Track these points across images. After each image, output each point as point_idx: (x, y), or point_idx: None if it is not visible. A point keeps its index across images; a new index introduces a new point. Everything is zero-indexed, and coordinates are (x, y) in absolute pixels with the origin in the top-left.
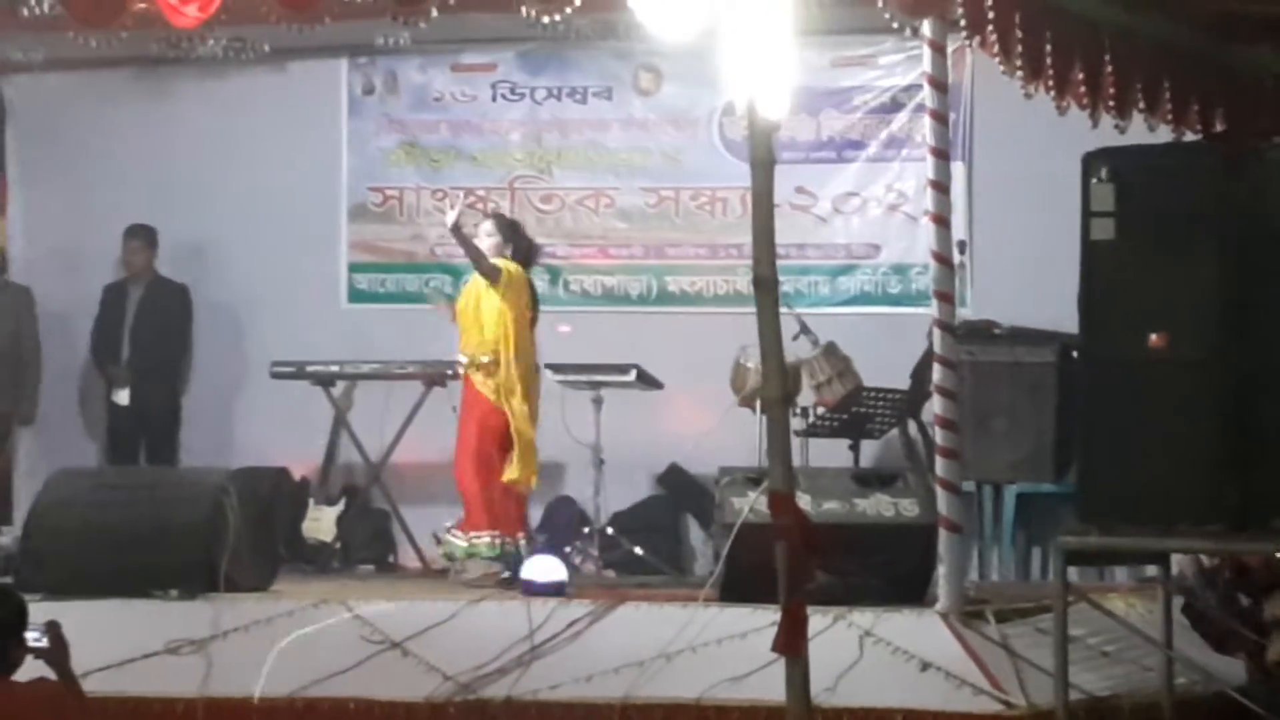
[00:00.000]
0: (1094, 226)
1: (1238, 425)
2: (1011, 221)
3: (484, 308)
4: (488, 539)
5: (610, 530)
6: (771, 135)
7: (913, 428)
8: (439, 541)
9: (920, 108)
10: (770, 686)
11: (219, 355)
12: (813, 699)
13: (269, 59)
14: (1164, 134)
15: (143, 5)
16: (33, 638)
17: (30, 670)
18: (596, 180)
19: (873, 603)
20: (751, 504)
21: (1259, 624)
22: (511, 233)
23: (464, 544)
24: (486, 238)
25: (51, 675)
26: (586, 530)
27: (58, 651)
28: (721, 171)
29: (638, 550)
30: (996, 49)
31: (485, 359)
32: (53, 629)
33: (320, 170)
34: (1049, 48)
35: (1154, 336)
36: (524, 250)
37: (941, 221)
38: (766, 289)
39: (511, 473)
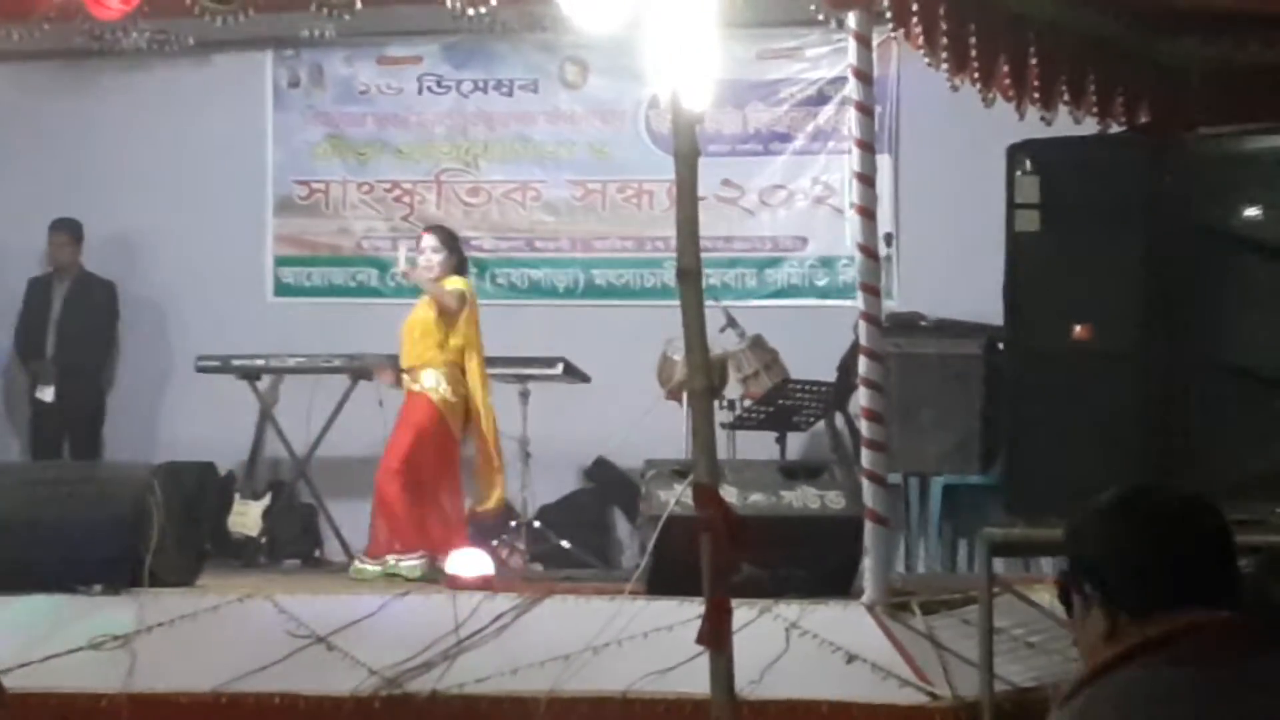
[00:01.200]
0: (1019, 218)
1: (1162, 416)
2: (938, 214)
3: (438, 324)
4: (415, 561)
5: (537, 524)
6: (695, 127)
7: (839, 420)
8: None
9: (847, 100)
10: (696, 679)
11: (144, 349)
12: (738, 691)
13: (193, 52)
14: (1090, 126)
15: None
16: None
17: None
18: (523, 173)
19: (799, 595)
20: (677, 497)
21: None
22: (455, 244)
23: (377, 568)
24: (434, 254)
25: None
26: (513, 524)
27: None
28: (648, 164)
29: (564, 544)
30: (921, 41)
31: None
32: None
33: (245, 163)
34: (974, 40)
35: (1079, 328)
36: (463, 260)
37: (867, 214)
38: (690, 281)
39: (490, 501)
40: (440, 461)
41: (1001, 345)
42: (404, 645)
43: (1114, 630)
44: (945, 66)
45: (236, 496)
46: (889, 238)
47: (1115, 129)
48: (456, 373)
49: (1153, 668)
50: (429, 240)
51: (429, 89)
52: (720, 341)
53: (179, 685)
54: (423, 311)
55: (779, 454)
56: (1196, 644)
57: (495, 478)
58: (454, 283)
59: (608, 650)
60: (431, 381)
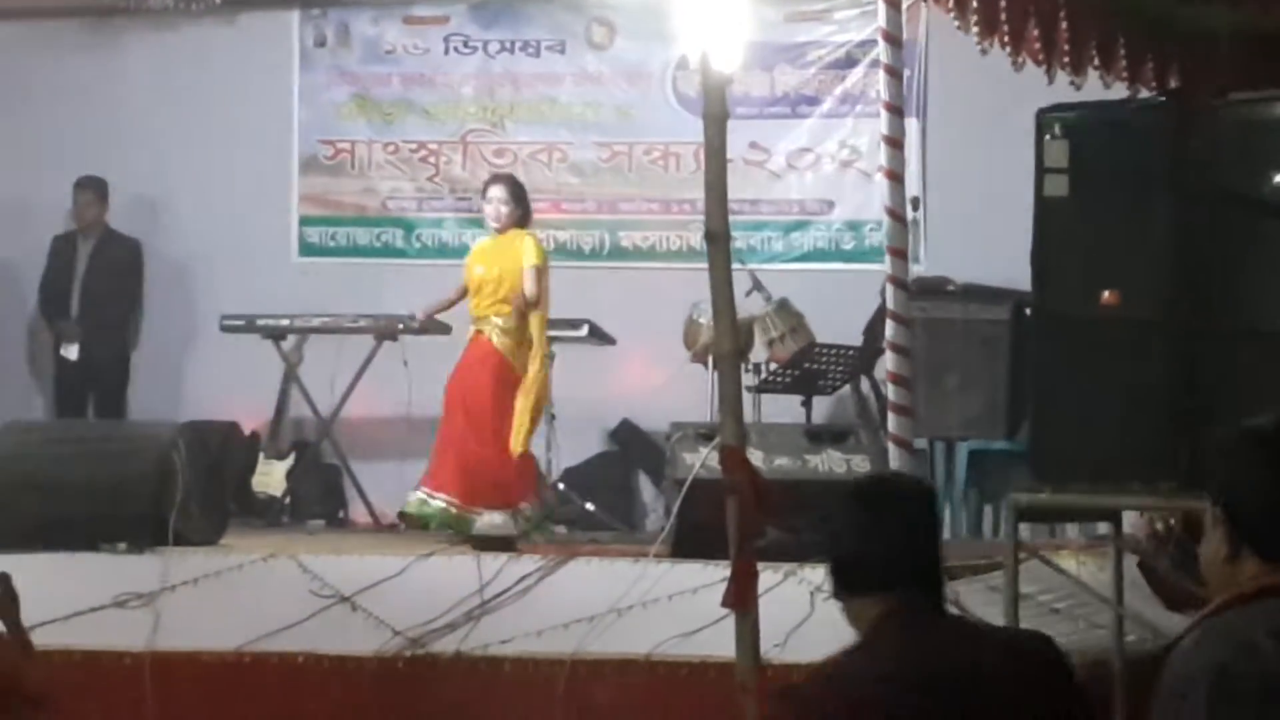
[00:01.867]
0: (1047, 183)
1: (1189, 383)
2: (965, 178)
3: (497, 266)
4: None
5: (562, 486)
6: (724, 89)
7: (865, 384)
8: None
9: (875, 63)
10: (720, 642)
11: (169, 309)
12: (763, 655)
13: (220, 11)
14: (1119, 91)
15: None
16: None
17: None
18: (549, 134)
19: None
20: (703, 460)
21: None
22: (523, 196)
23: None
24: (502, 205)
25: None
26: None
27: (7, 604)
28: (675, 126)
29: (589, 506)
30: (951, 4)
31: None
32: (2, 582)
33: (271, 123)
34: (1003, 3)
35: (1106, 294)
36: (526, 209)
37: (895, 178)
38: (718, 244)
39: (520, 443)
40: (499, 405)
41: (1028, 311)
42: (428, 606)
43: (1237, 556)
44: (974, 30)
45: (261, 456)
46: (916, 202)
47: (1145, 94)
48: (523, 323)
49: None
50: (497, 191)
51: (455, 49)
52: (746, 305)
53: (202, 644)
54: (492, 265)
55: (804, 418)
56: None
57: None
58: (529, 256)
59: (632, 613)
60: (492, 330)
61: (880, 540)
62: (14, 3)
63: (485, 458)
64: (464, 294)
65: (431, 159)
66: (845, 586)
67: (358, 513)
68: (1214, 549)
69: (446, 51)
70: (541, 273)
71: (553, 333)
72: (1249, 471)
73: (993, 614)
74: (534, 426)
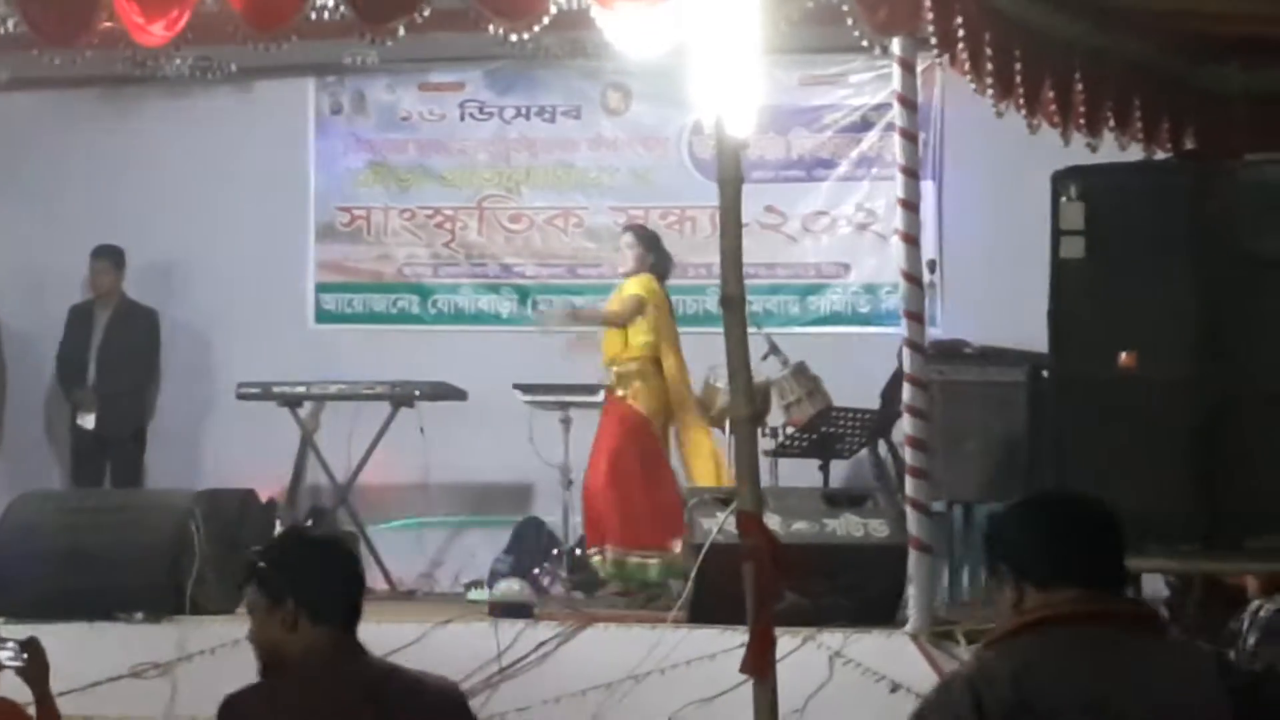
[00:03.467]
0: (1064, 245)
1: (1208, 444)
2: (982, 241)
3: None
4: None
5: (579, 551)
6: (739, 154)
7: (883, 448)
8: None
9: (890, 126)
10: (739, 708)
11: (185, 376)
12: None
13: (236, 78)
14: (1135, 153)
15: (108, 24)
16: (8, 656)
17: (5, 689)
18: (565, 200)
19: (842, 623)
20: (720, 524)
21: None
22: (653, 243)
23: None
24: (628, 249)
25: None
26: (555, 551)
27: (37, 669)
28: (690, 190)
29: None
30: (967, 67)
31: (626, 368)
32: (32, 646)
33: (288, 190)
34: (1019, 66)
35: (1124, 355)
36: (664, 262)
37: (911, 240)
38: (734, 308)
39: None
40: (645, 461)
41: (1046, 373)
42: (445, 673)
43: (1021, 598)
44: (990, 92)
45: (278, 523)
46: (932, 264)
47: (1160, 155)
48: (648, 368)
49: (1047, 635)
50: (627, 238)
51: (471, 115)
52: (763, 368)
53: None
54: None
55: (822, 482)
56: (1086, 618)
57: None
58: (629, 287)
59: (650, 679)
60: (621, 384)
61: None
62: (30, 72)
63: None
64: (609, 322)
65: (447, 225)
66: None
67: (374, 579)
68: (1007, 600)
69: (462, 118)
70: (641, 302)
71: (569, 398)
72: (1029, 530)
73: None
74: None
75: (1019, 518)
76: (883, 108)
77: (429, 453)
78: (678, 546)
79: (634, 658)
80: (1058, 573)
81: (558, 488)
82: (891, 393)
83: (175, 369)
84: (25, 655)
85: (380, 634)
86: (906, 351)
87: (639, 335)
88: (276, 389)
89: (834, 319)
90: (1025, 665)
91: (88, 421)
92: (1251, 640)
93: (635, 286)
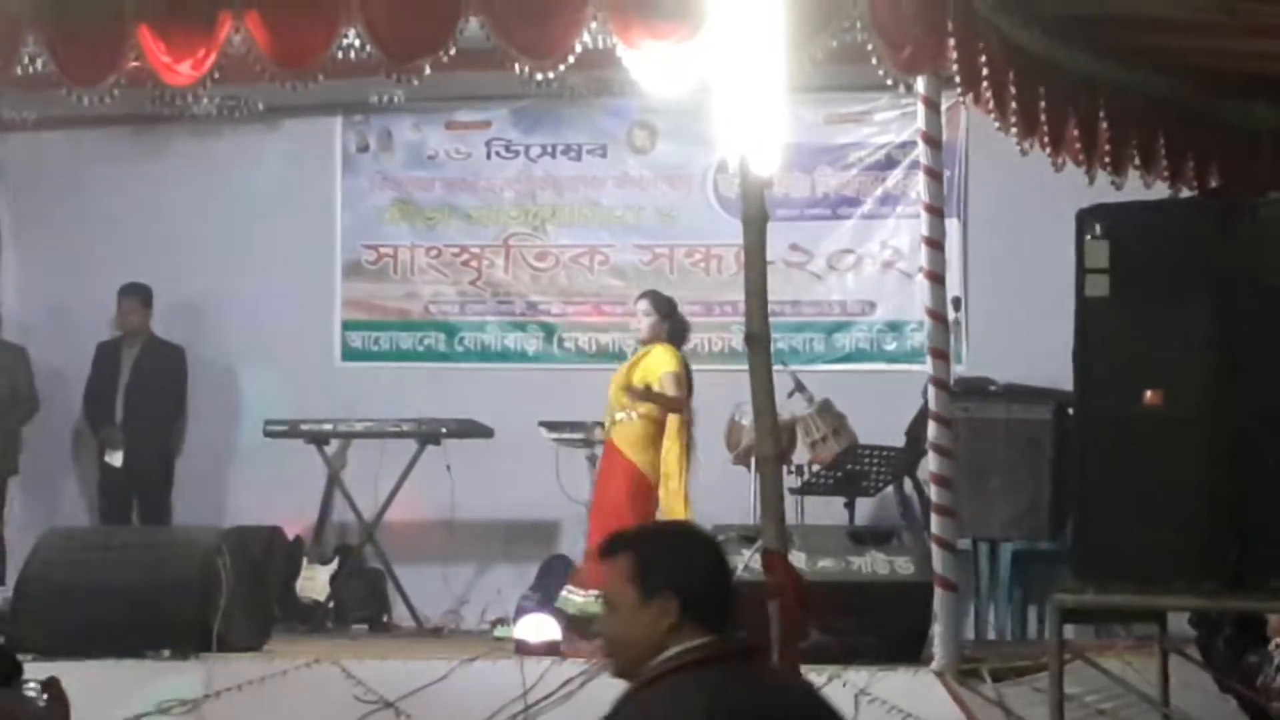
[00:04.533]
0: (1089, 283)
1: (1233, 482)
2: (1007, 278)
3: (625, 375)
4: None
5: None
6: (763, 192)
7: (908, 485)
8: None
9: (915, 164)
10: None
11: (213, 414)
12: None
13: (263, 117)
14: (1160, 190)
15: (136, 64)
16: (31, 695)
17: None
18: (591, 237)
19: (868, 661)
20: (746, 562)
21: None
22: (670, 309)
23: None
24: (645, 317)
25: None
26: None
27: (58, 709)
28: (716, 228)
29: None
30: (991, 106)
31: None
32: (53, 687)
33: (315, 228)
34: (1043, 104)
35: (1149, 393)
36: (681, 327)
37: (936, 278)
38: (759, 346)
39: None
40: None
41: (1071, 411)
42: (472, 710)
43: (681, 629)
44: (1014, 130)
45: (304, 561)
46: (957, 302)
47: (1186, 193)
48: (655, 430)
49: (704, 673)
50: (643, 304)
51: (497, 154)
52: (788, 406)
53: None
54: (623, 374)
55: (847, 519)
56: (725, 655)
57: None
58: (665, 363)
59: None
60: (625, 436)
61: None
62: (58, 111)
63: None
64: (673, 409)
65: (474, 263)
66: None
67: (400, 616)
68: (655, 620)
69: (488, 156)
70: (679, 383)
71: (594, 435)
72: (696, 563)
73: (1038, 715)
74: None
75: (704, 552)
76: (907, 146)
77: (455, 490)
78: None
79: None
80: (713, 614)
81: (584, 525)
82: (917, 430)
83: (202, 406)
84: (46, 695)
85: (407, 671)
86: (931, 389)
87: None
88: (303, 426)
89: (859, 356)
90: (711, 698)
91: (115, 459)
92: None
93: (673, 362)
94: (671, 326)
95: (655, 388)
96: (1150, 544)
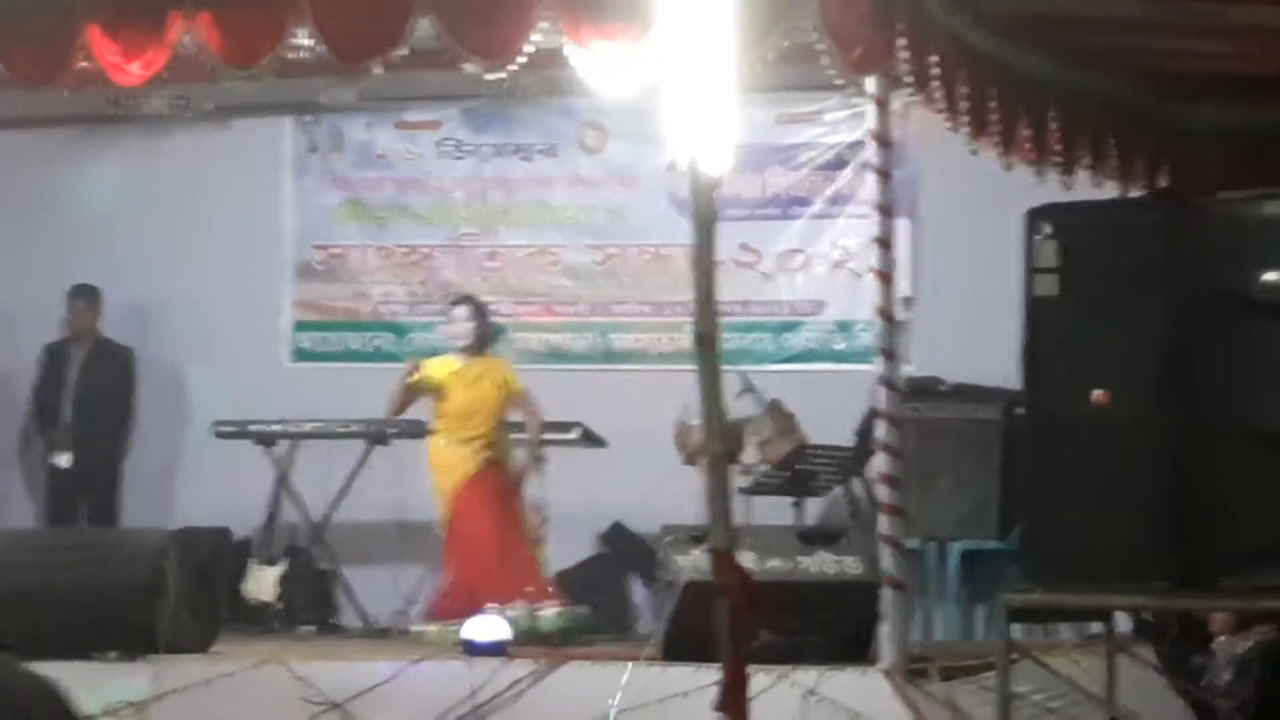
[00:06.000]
0: (1037, 282)
1: (1181, 482)
2: (956, 278)
3: (483, 392)
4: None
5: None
6: (712, 193)
7: (857, 485)
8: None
9: (865, 164)
10: None
11: (161, 415)
12: None
13: (213, 117)
14: (1110, 191)
15: (85, 63)
16: None
17: None
18: (542, 237)
19: (816, 661)
20: (694, 562)
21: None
22: (484, 314)
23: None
24: (463, 323)
25: None
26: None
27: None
28: (667, 228)
29: (581, 609)
30: (942, 106)
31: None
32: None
33: (264, 228)
34: (994, 104)
35: (1097, 393)
36: (489, 328)
37: (886, 278)
38: (707, 346)
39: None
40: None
41: (1020, 410)
42: (421, 712)
43: None
44: (965, 131)
45: (252, 562)
46: (907, 302)
47: (1135, 193)
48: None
49: None
50: (461, 311)
51: (448, 154)
52: (738, 406)
53: None
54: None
55: (796, 519)
56: None
57: None
58: (510, 378)
59: (624, 717)
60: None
61: None
62: (8, 111)
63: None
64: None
65: (424, 263)
66: None
67: (349, 618)
68: None
69: (439, 156)
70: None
71: (545, 435)
72: None
73: (986, 714)
74: None
75: None
76: (857, 146)
77: (405, 491)
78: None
79: (608, 695)
80: None
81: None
82: (866, 430)
83: (151, 408)
84: None
85: (354, 672)
86: (881, 389)
87: (493, 413)
88: (252, 427)
89: (808, 356)
90: None
91: (63, 460)
92: (1226, 677)
93: (512, 376)
94: (486, 330)
95: (521, 403)
96: (1098, 543)
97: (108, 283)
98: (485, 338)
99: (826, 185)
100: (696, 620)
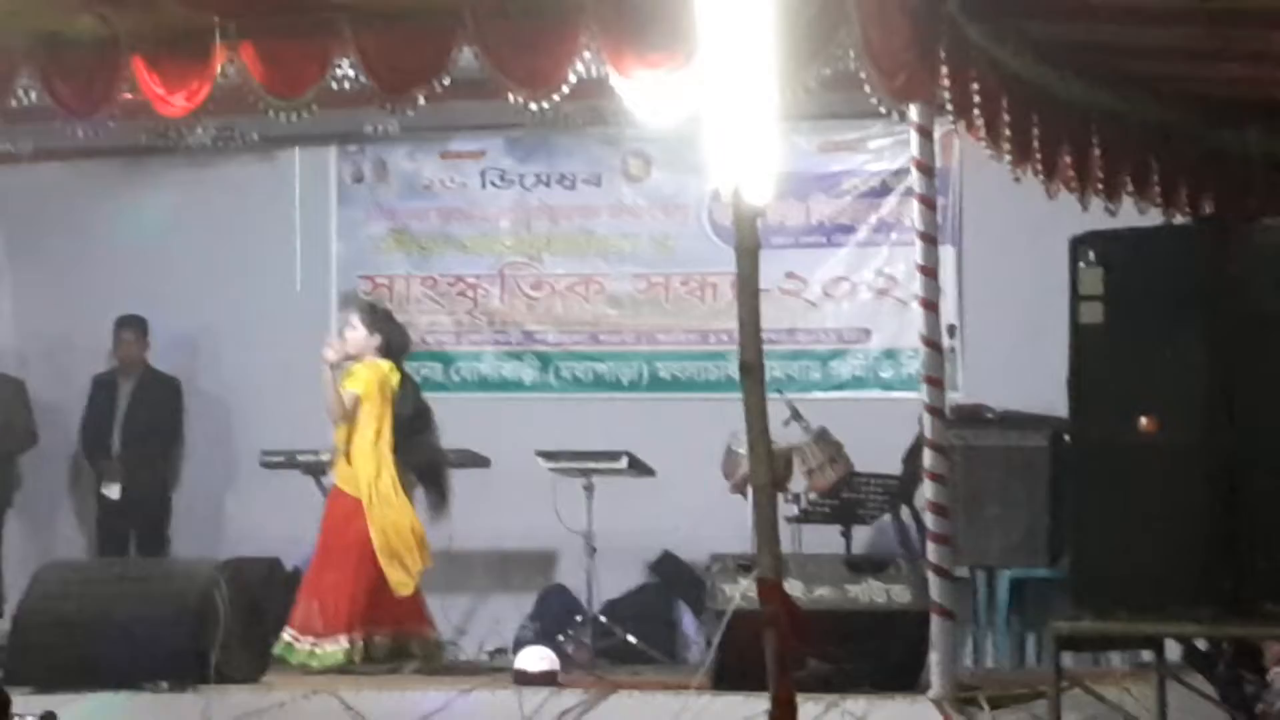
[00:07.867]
0: (1083, 310)
1: (1229, 508)
2: (1002, 305)
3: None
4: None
5: (603, 618)
6: (756, 221)
7: (905, 513)
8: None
9: (909, 191)
10: None
11: (209, 445)
12: None
13: (258, 148)
14: (1154, 217)
15: (130, 95)
16: None
17: None
18: (586, 266)
19: (865, 690)
20: (742, 591)
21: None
22: (382, 322)
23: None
24: (351, 331)
25: None
26: (579, 619)
27: None
28: (711, 257)
29: (630, 638)
30: (984, 133)
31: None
32: None
33: (310, 258)
34: (1037, 131)
35: (1144, 420)
36: (397, 340)
37: (931, 306)
38: (752, 375)
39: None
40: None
41: (1067, 437)
42: None
43: None
44: (1008, 158)
45: None
46: (952, 329)
47: (1179, 220)
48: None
49: None
50: (353, 317)
51: (492, 183)
52: (785, 434)
53: None
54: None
55: (844, 548)
56: None
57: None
58: (354, 381)
59: None
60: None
61: None
62: (54, 143)
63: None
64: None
65: (469, 292)
66: None
67: None
68: None
69: (483, 185)
70: (369, 386)
71: (592, 465)
72: None
73: None
74: None
75: None
76: (901, 173)
77: (453, 519)
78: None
79: None
80: None
81: (581, 555)
82: (913, 458)
83: (199, 438)
84: None
85: (405, 701)
86: (927, 416)
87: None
88: (300, 457)
89: (855, 384)
90: None
91: (112, 491)
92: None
93: (359, 382)
94: (385, 339)
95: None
96: (1147, 571)
97: (155, 314)
98: (368, 346)
99: (871, 213)
100: (745, 649)
